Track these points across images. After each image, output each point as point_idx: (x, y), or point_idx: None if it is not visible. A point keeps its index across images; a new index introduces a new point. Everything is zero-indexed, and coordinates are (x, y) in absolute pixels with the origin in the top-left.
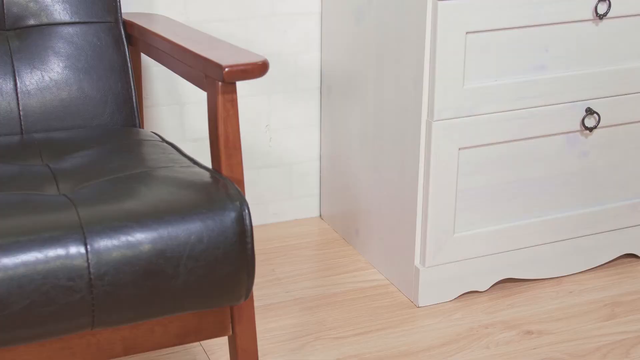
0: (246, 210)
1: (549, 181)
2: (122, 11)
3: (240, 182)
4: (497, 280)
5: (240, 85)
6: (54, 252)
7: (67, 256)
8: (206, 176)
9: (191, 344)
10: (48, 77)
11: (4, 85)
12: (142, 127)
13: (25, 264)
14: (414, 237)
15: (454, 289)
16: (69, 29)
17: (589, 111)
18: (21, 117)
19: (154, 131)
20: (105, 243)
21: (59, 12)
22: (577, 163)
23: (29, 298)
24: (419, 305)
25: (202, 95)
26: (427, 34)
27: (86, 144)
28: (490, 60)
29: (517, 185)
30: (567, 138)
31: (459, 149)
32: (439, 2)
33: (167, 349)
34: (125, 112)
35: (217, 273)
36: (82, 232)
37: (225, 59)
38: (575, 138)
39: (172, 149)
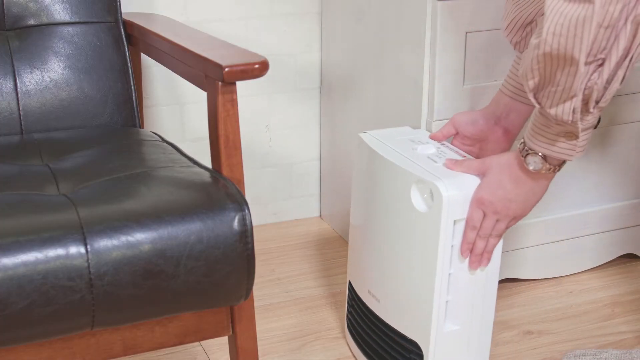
0: (246, 210)
1: None
2: (122, 11)
3: (240, 182)
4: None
5: (240, 85)
6: (54, 252)
7: (67, 256)
8: (206, 176)
9: (191, 344)
10: (48, 77)
11: (4, 85)
12: (142, 127)
13: (25, 264)
14: None
15: None
16: (69, 29)
17: None
18: (21, 117)
19: (154, 131)
20: (105, 243)
21: (59, 12)
22: (577, 163)
23: (29, 298)
24: None
25: (202, 95)
26: (427, 34)
27: (86, 144)
28: (490, 60)
29: None
30: None
31: None
32: (439, 2)
33: (167, 349)
34: (125, 112)
35: (217, 273)
36: (82, 232)
37: (225, 59)
38: None
39: (172, 149)
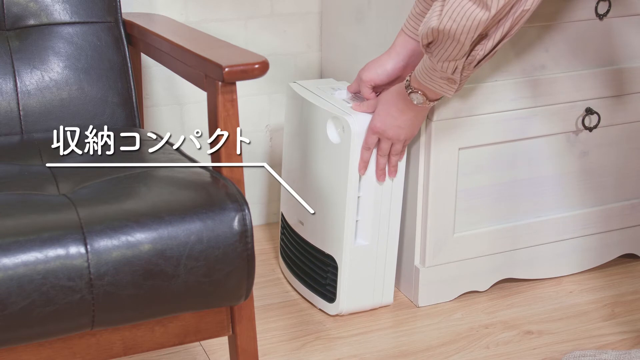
0: (246, 210)
1: (548, 181)
2: (122, 11)
3: (240, 182)
4: (497, 280)
5: (240, 85)
6: (54, 252)
7: (67, 256)
8: (206, 176)
9: (191, 344)
10: (48, 77)
11: (4, 85)
12: (142, 127)
13: (25, 264)
14: (414, 237)
15: (454, 289)
16: (69, 29)
17: (589, 111)
18: (21, 117)
19: (154, 131)
20: (105, 243)
21: (59, 12)
22: (577, 163)
23: (29, 298)
24: (419, 305)
25: (202, 95)
26: None
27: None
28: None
29: (516, 185)
30: (567, 138)
31: (459, 149)
32: None
33: (167, 349)
34: (125, 112)
35: (217, 273)
36: (82, 232)
37: (225, 59)
38: (575, 138)
39: (172, 149)
